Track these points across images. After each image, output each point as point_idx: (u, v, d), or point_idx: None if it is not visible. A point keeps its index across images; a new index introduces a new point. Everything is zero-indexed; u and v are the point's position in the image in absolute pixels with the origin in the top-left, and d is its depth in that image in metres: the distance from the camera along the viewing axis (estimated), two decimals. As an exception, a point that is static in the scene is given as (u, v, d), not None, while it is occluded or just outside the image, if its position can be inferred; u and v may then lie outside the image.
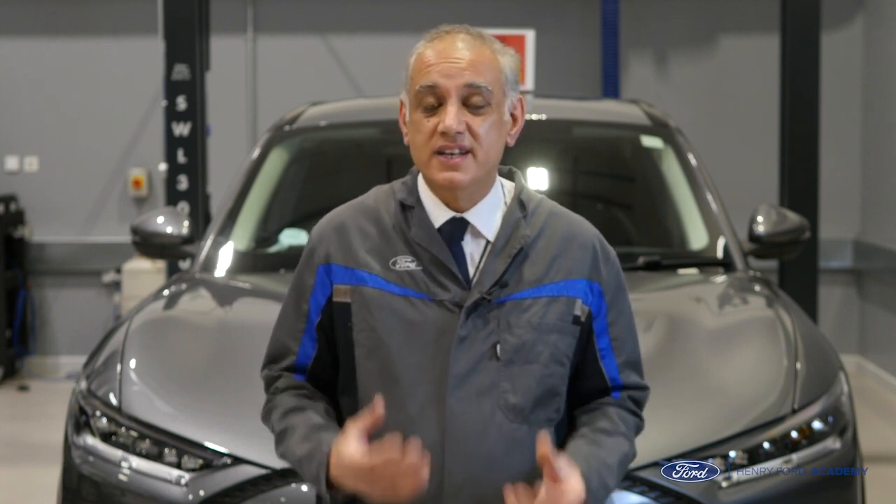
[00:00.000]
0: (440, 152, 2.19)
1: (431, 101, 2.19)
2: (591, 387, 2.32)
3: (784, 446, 3.20)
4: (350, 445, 2.11)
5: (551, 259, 2.26)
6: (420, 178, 2.29)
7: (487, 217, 2.26)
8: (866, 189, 8.45)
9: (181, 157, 6.70)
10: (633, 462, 2.92)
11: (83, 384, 3.50)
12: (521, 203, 2.29)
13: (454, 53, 2.19)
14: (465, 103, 2.19)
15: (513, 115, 2.28)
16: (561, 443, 2.27)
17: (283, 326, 2.35)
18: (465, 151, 2.19)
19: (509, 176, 2.35)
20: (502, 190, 2.31)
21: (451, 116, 2.17)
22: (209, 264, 4.33)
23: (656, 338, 3.56)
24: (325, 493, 2.18)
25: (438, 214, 2.25)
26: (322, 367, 2.32)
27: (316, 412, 2.26)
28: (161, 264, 7.49)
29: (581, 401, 2.33)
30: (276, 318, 2.39)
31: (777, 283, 6.38)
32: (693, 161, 4.66)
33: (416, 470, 2.07)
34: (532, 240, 2.26)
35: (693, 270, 4.33)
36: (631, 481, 3.03)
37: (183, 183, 6.68)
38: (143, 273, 8.02)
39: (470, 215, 2.25)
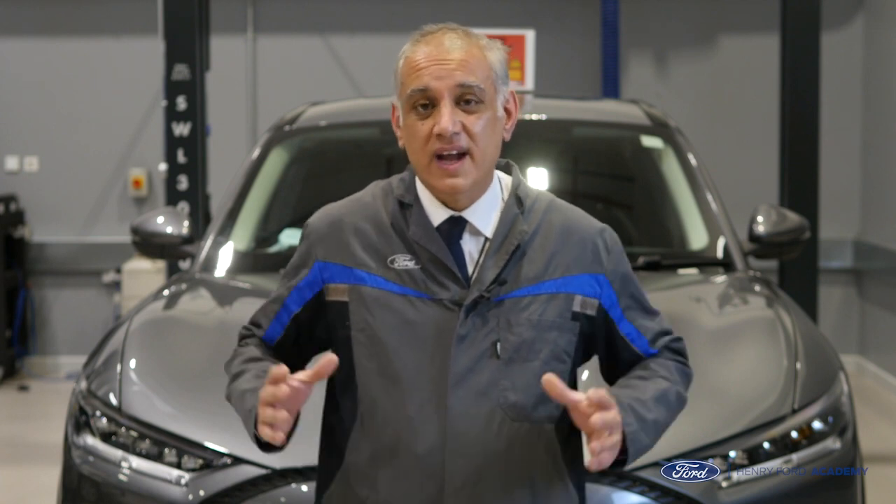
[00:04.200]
0: (439, 156, 2.18)
1: (424, 103, 2.18)
2: (631, 366, 2.34)
3: (784, 446, 3.20)
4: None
5: (549, 255, 2.26)
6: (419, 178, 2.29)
7: (485, 214, 2.25)
8: (866, 189, 8.45)
9: (181, 157, 6.70)
10: (633, 462, 2.96)
11: (83, 384, 3.50)
12: (518, 199, 2.28)
13: (443, 54, 2.18)
14: (459, 103, 2.18)
15: (506, 110, 2.27)
16: (564, 442, 2.27)
17: (266, 303, 2.38)
18: (463, 153, 2.18)
19: (506, 170, 2.34)
20: (500, 185, 2.30)
21: (446, 118, 2.16)
22: (209, 264, 4.33)
23: (656, 338, 3.55)
24: (250, 425, 2.20)
25: (436, 213, 2.25)
26: (285, 352, 2.34)
27: (274, 364, 2.28)
28: (161, 264, 7.49)
29: None
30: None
31: (777, 283, 6.38)
32: (693, 161, 4.66)
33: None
34: (529, 236, 2.26)
35: (693, 270, 4.33)
36: (631, 481, 3.03)
37: (183, 183, 6.68)
38: (143, 273, 8.02)
39: (468, 213, 2.24)
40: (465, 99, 2.18)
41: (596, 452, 2.09)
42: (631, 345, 2.32)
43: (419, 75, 2.18)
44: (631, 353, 2.33)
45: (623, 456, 2.16)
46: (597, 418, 2.08)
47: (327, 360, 2.10)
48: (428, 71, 2.17)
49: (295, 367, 2.24)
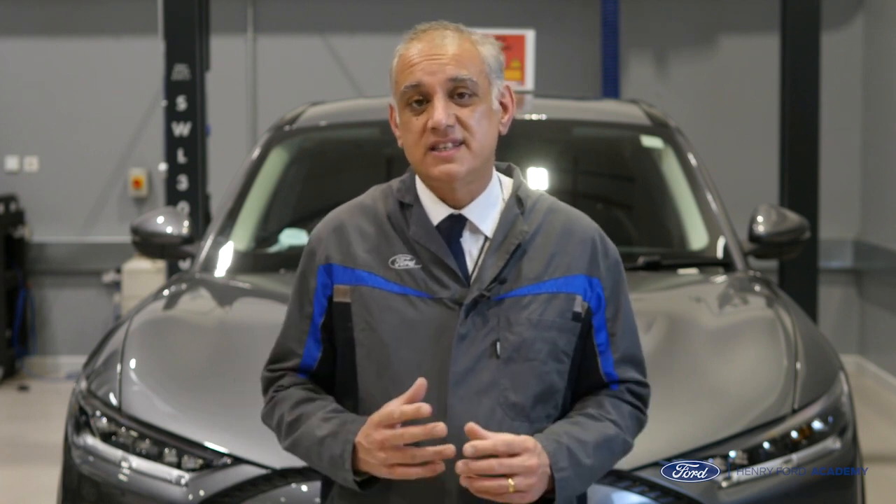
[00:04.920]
0: (433, 148, 2.19)
1: (418, 99, 2.20)
2: (589, 383, 2.32)
3: (784, 446, 3.20)
4: (391, 404, 2.12)
5: (550, 255, 2.26)
6: (418, 176, 2.29)
7: (485, 213, 2.26)
8: (866, 189, 8.45)
9: (181, 157, 6.70)
10: (633, 462, 2.96)
11: (83, 384, 3.50)
12: (518, 199, 2.29)
13: (435, 50, 2.20)
14: (452, 96, 2.19)
15: (502, 104, 2.28)
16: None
17: (288, 330, 2.34)
18: (458, 143, 2.19)
19: (508, 172, 2.35)
20: (500, 186, 2.31)
21: (440, 111, 2.17)
22: (209, 264, 4.33)
23: (656, 338, 3.56)
24: (346, 470, 2.16)
25: (436, 212, 2.25)
26: (328, 367, 2.32)
27: (329, 401, 2.27)
28: (161, 264, 7.49)
29: (581, 397, 2.33)
30: (275, 318, 2.39)
31: (777, 283, 6.38)
32: (693, 161, 4.66)
33: (442, 448, 2.09)
34: (530, 236, 2.26)
35: (693, 270, 4.33)
36: (631, 481, 3.03)
37: (183, 183, 6.68)
38: (143, 273, 8.02)
39: (468, 212, 2.25)
40: (459, 92, 2.19)
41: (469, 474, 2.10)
42: (597, 357, 2.29)
43: (412, 71, 2.19)
44: (592, 367, 2.30)
45: (551, 495, 2.16)
46: (467, 446, 2.09)
47: (419, 384, 2.11)
48: (420, 67, 2.19)
49: (332, 383, 2.29)
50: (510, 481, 2.09)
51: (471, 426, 2.10)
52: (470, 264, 2.24)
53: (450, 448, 2.10)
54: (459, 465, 2.10)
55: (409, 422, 2.13)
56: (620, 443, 2.28)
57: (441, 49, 2.20)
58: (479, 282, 2.21)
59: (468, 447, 2.09)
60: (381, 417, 2.11)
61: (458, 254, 2.24)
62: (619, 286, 2.32)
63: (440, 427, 2.08)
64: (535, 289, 2.24)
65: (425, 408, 2.09)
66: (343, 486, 2.25)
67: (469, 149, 2.19)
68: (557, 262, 2.26)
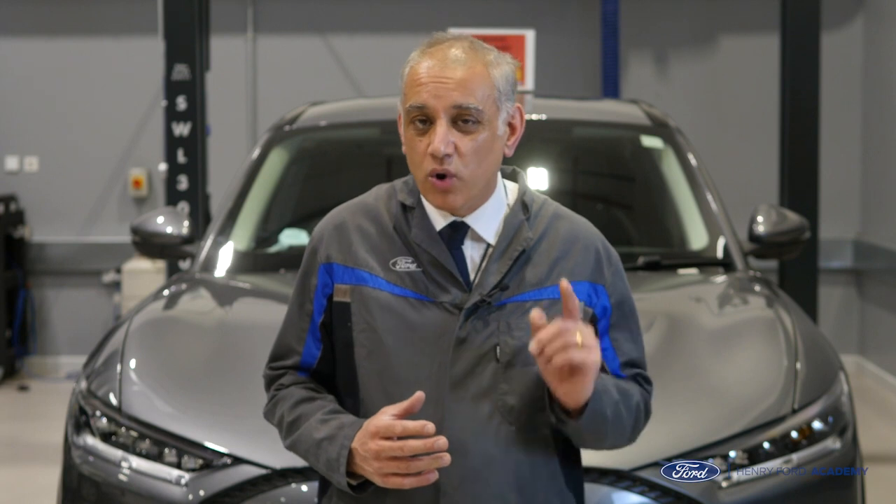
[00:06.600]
0: (433, 174, 2.18)
1: (423, 119, 2.18)
2: None
3: (784, 446, 3.21)
4: (385, 415, 2.12)
5: (553, 261, 2.25)
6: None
7: (488, 221, 2.25)
8: (866, 189, 8.45)
9: (181, 157, 6.70)
10: (633, 462, 2.97)
11: (83, 384, 3.50)
12: (523, 205, 2.28)
13: (444, 72, 2.17)
14: (456, 122, 2.17)
15: (510, 125, 2.26)
16: (561, 445, 2.26)
17: (288, 328, 2.33)
18: (454, 175, 2.17)
19: (512, 176, 2.34)
20: (505, 191, 2.30)
21: (439, 138, 2.15)
22: (209, 264, 4.33)
23: (656, 338, 3.56)
24: (340, 474, 2.16)
25: (439, 217, 2.24)
26: (328, 366, 2.31)
27: (329, 401, 2.26)
28: (161, 264, 7.50)
29: None
30: (275, 318, 2.39)
31: (777, 283, 6.38)
32: (693, 161, 4.66)
33: (439, 456, 2.08)
34: (534, 242, 2.25)
35: (693, 270, 4.33)
36: (631, 481, 3.03)
37: (183, 183, 6.69)
38: (143, 273, 8.03)
39: (471, 220, 2.24)
40: (463, 118, 2.17)
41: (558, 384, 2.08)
42: (602, 363, 2.27)
43: (419, 91, 2.17)
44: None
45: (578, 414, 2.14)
46: (534, 315, 2.05)
47: (416, 398, 2.10)
48: (427, 88, 2.17)
49: (333, 380, 2.29)
50: (578, 335, 2.05)
51: (534, 314, 2.06)
52: (471, 270, 2.23)
53: (446, 458, 2.09)
54: (533, 344, 2.05)
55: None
56: (637, 401, 2.26)
57: (451, 71, 2.17)
58: (481, 287, 2.21)
59: (535, 315, 2.05)
60: (379, 429, 2.10)
61: (460, 259, 2.23)
62: (623, 293, 2.31)
63: (441, 441, 2.07)
64: (538, 294, 2.23)
65: (430, 426, 2.08)
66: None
67: (463, 180, 2.18)
68: (561, 268, 2.25)
